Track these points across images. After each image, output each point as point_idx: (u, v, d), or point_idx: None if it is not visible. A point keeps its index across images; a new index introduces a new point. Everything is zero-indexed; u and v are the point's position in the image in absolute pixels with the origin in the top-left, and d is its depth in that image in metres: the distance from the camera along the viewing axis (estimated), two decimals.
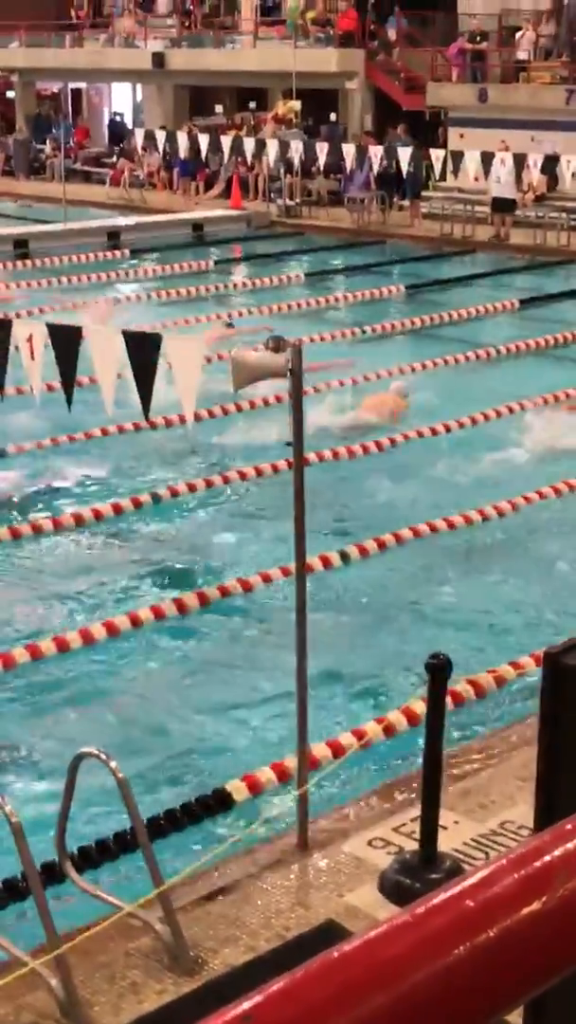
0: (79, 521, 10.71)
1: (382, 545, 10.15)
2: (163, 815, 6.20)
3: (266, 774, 6.64)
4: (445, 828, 5.65)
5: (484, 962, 0.89)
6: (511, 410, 13.94)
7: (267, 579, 9.37)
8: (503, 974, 0.90)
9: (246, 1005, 0.83)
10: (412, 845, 5.61)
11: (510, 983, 0.90)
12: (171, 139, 29.55)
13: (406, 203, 27.61)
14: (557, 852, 0.96)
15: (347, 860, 5.71)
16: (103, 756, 4.98)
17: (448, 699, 6.08)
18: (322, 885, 5.55)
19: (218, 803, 6.43)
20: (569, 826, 1.00)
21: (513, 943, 0.90)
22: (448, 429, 13.32)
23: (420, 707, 6.32)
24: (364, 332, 17.70)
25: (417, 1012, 0.85)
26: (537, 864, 0.95)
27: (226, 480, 11.67)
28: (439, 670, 5.38)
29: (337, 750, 6.71)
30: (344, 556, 9.90)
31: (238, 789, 6.52)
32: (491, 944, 0.89)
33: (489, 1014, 0.89)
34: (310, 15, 31.89)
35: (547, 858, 0.96)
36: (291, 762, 6.33)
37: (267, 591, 9.29)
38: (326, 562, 9.71)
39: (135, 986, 4.95)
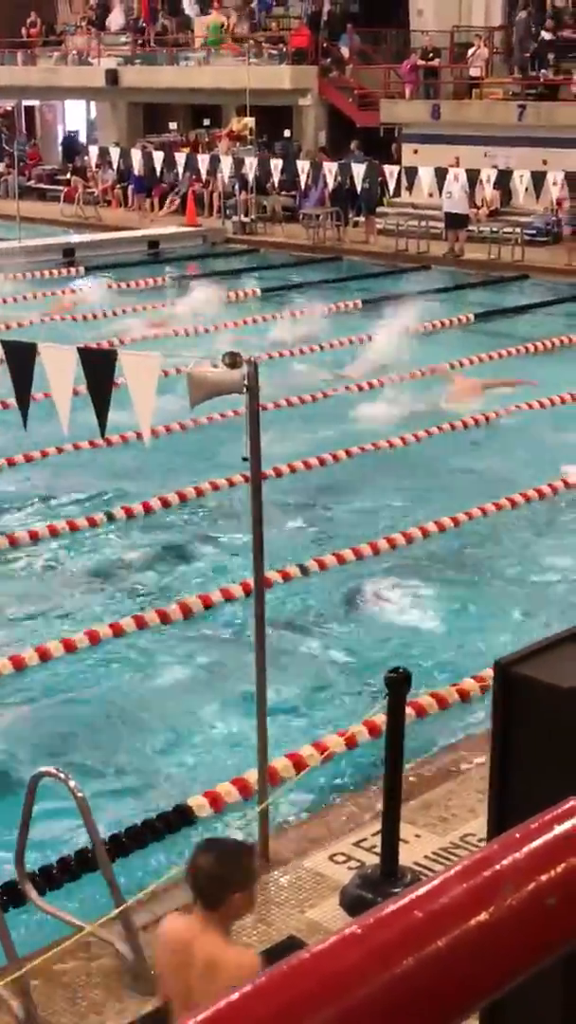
0: (34, 538, 10.67)
1: (341, 559, 10.17)
2: (124, 832, 6.17)
3: (227, 789, 6.63)
4: (406, 842, 5.66)
5: (433, 973, 0.89)
6: (477, 422, 14.06)
7: (227, 594, 9.36)
8: (452, 984, 0.90)
9: (193, 1022, 0.83)
10: (373, 859, 5.61)
11: (459, 993, 0.90)
12: (125, 156, 29.54)
13: (361, 219, 27.72)
14: (505, 862, 0.96)
15: (308, 876, 5.71)
16: (62, 775, 4.95)
17: (409, 712, 6.09)
18: (284, 901, 5.54)
19: (180, 819, 6.41)
20: (518, 835, 1.00)
21: (462, 953, 0.90)
22: (405, 442, 13.38)
23: (380, 721, 6.33)
24: (322, 348, 17.75)
25: None
26: (485, 874, 0.95)
27: (182, 497, 11.64)
28: (399, 684, 5.39)
29: (298, 765, 6.71)
30: (304, 570, 9.91)
31: (200, 805, 6.50)
32: (440, 955, 0.89)
33: None
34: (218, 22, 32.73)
35: (496, 867, 0.96)
36: (252, 777, 6.32)
37: (227, 606, 9.28)
38: (286, 576, 9.72)
39: (96, 1006, 4.92)
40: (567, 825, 1.01)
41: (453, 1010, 0.90)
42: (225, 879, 3.61)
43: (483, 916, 0.91)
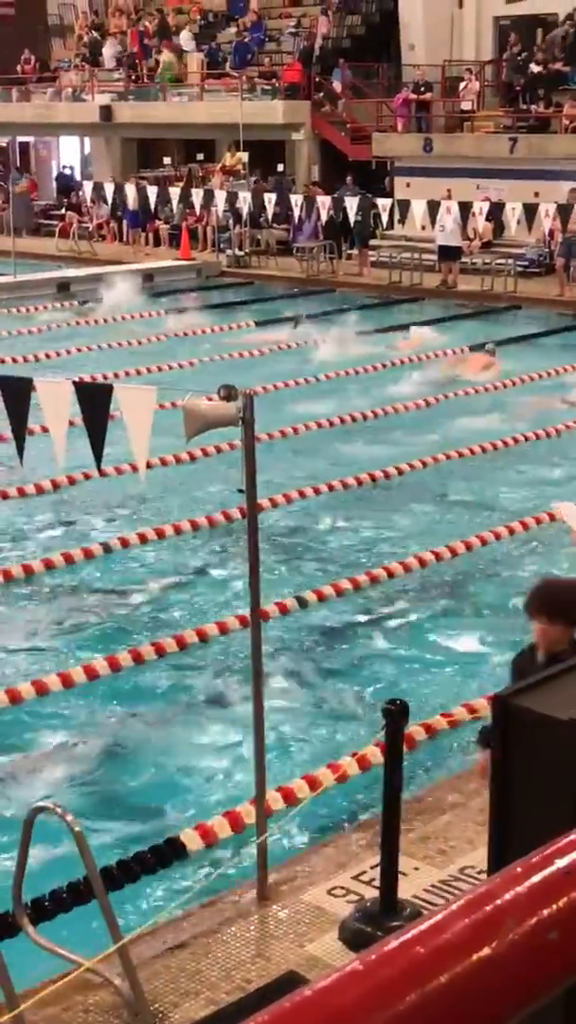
0: (29, 573, 10.65)
1: (339, 590, 10.15)
2: (119, 866, 6.14)
3: (223, 824, 6.59)
4: (405, 875, 5.63)
5: (436, 1009, 0.89)
6: (472, 452, 14.08)
7: (223, 628, 9.34)
8: (455, 1021, 0.90)
9: None
10: (372, 893, 5.58)
11: None
12: (119, 191, 29.69)
13: (354, 252, 27.85)
14: (507, 896, 0.96)
15: (307, 910, 5.67)
16: (59, 810, 4.92)
17: (406, 744, 6.07)
18: (283, 936, 5.51)
19: (174, 853, 6.37)
20: (519, 869, 1.00)
21: (464, 989, 0.90)
22: (401, 472, 13.39)
23: (377, 753, 6.31)
24: (317, 380, 17.78)
25: None
26: (488, 909, 0.95)
27: (178, 529, 11.64)
28: (396, 715, 5.37)
29: (294, 798, 6.68)
30: (301, 602, 9.89)
31: (193, 839, 6.47)
32: (442, 990, 0.89)
33: None
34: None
35: (497, 902, 0.96)
36: (248, 811, 6.29)
37: (224, 639, 9.26)
38: (283, 609, 9.71)
39: None
40: (568, 859, 1.01)
41: None
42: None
43: (485, 951, 0.91)
